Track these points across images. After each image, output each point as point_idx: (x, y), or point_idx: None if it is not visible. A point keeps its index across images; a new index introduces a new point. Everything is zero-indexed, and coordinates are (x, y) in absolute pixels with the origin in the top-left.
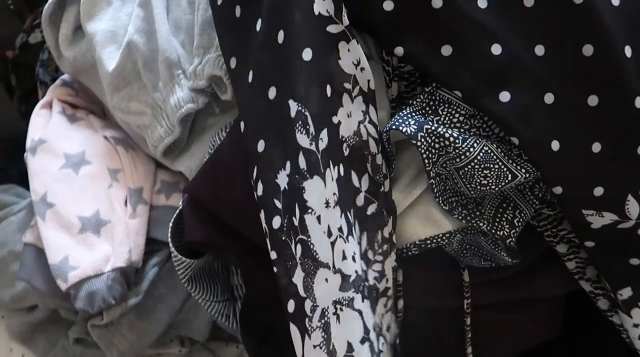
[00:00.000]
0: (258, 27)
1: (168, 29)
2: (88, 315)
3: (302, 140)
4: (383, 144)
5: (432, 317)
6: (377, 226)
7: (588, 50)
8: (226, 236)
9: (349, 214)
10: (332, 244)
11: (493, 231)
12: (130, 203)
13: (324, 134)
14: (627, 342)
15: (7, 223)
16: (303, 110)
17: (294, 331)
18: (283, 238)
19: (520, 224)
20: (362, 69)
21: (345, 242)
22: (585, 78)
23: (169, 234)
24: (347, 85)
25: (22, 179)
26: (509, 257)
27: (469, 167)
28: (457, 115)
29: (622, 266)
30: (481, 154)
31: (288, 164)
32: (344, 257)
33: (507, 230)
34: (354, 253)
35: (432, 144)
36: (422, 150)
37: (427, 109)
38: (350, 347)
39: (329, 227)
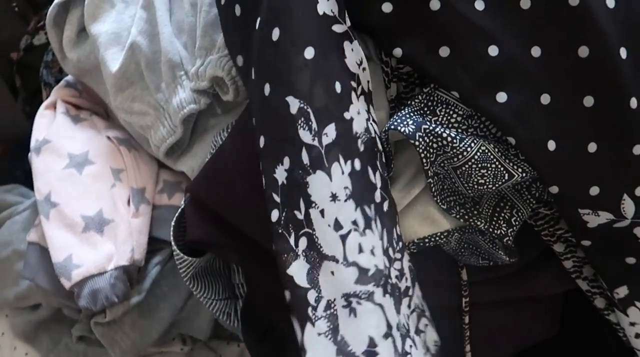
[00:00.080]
0: (256, 26)
1: (171, 30)
2: (91, 313)
3: (305, 136)
4: (382, 144)
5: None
6: (393, 223)
7: (584, 51)
8: (227, 235)
9: (367, 209)
10: (343, 237)
11: (490, 230)
12: (133, 202)
13: (329, 129)
14: (624, 341)
15: (12, 222)
16: (305, 107)
17: (293, 319)
18: (280, 231)
19: (517, 223)
20: (364, 69)
21: (361, 235)
22: (580, 79)
23: (171, 233)
24: (353, 84)
25: (26, 179)
26: (506, 256)
27: (467, 166)
28: (454, 115)
29: (618, 265)
30: (478, 153)
31: (286, 160)
32: (361, 251)
33: (505, 229)
34: (373, 247)
35: (430, 143)
36: (420, 150)
37: (425, 109)
38: (372, 342)
39: (336, 220)
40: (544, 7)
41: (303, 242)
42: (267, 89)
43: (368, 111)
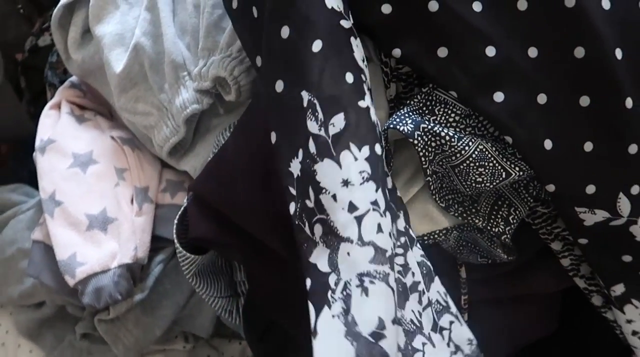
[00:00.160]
0: (265, 24)
1: (174, 32)
2: (95, 310)
3: (312, 126)
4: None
5: None
6: (395, 217)
7: (579, 52)
8: (229, 233)
9: (386, 191)
10: (358, 218)
11: (488, 228)
12: (137, 201)
13: (336, 118)
14: (621, 338)
15: (16, 221)
16: (312, 99)
17: (310, 306)
18: (297, 223)
19: (515, 221)
20: (366, 66)
21: (381, 216)
22: (577, 79)
23: (174, 231)
24: (363, 77)
25: (30, 179)
26: (504, 254)
27: (465, 165)
28: (452, 114)
29: (615, 263)
30: (476, 152)
31: (300, 152)
32: (380, 230)
33: (502, 227)
34: (391, 230)
35: (429, 142)
36: (419, 149)
37: (424, 108)
38: (381, 324)
39: (350, 203)
40: (540, 8)
41: (318, 229)
42: (279, 85)
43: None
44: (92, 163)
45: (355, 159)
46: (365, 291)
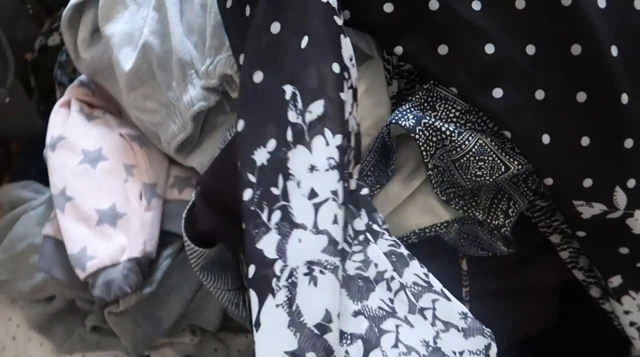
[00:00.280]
0: (255, 19)
1: (181, 31)
2: (105, 303)
3: (292, 116)
4: (383, 138)
5: None
6: (349, 220)
7: (576, 49)
8: (236, 225)
9: (345, 186)
10: (316, 205)
11: (488, 221)
12: (145, 197)
13: (314, 105)
14: (619, 329)
15: (27, 217)
16: (296, 91)
17: (252, 296)
18: (252, 208)
19: (514, 214)
20: (353, 65)
21: (339, 207)
22: (573, 76)
23: (182, 224)
24: (346, 74)
25: (40, 176)
26: (504, 247)
27: (465, 159)
28: (453, 110)
29: (612, 255)
30: (476, 146)
31: (271, 142)
32: (335, 222)
33: (502, 220)
34: (345, 225)
35: (430, 137)
36: (421, 143)
37: (425, 104)
38: (328, 316)
39: (312, 189)
40: (538, 7)
41: (276, 215)
42: (257, 76)
43: (352, 106)
44: (101, 160)
45: (327, 144)
46: (314, 280)
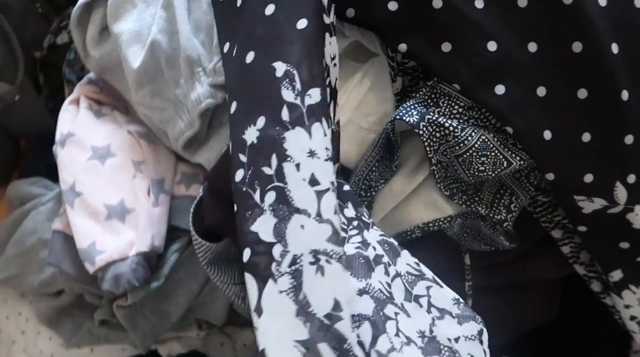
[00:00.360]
0: (246, 6)
1: (189, 29)
2: (113, 296)
3: (287, 95)
4: (388, 134)
5: None
6: (339, 209)
7: (577, 47)
8: None
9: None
10: (319, 193)
11: (491, 215)
12: (153, 193)
13: (313, 91)
14: (620, 324)
15: (36, 213)
16: (292, 70)
17: (249, 280)
18: (244, 189)
19: (516, 209)
20: (335, 64)
21: (336, 199)
22: (574, 73)
23: (190, 219)
24: (325, 74)
25: (49, 172)
26: (507, 241)
27: (468, 154)
28: (456, 106)
29: (613, 250)
30: (479, 142)
31: (261, 120)
32: (335, 213)
33: (504, 214)
34: (345, 205)
35: (434, 133)
36: (424, 139)
37: (429, 101)
38: (337, 305)
39: (312, 175)
40: (539, 5)
41: (270, 197)
42: (249, 56)
43: (330, 104)
44: (110, 156)
45: (325, 134)
46: (320, 270)
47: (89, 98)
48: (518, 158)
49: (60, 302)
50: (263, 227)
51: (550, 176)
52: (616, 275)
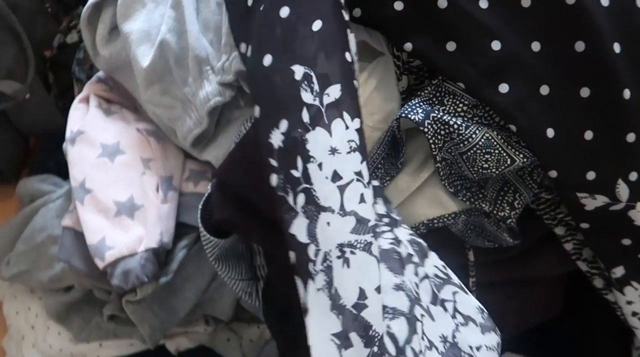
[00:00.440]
0: (261, 7)
1: (198, 28)
2: (123, 291)
3: (306, 97)
4: (393, 132)
5: None
6: (376, 196)
7: (580, 46)
8: (250, 215)
9: (368, 165)
10: (341, 187)
11: (495, 212)
12: (162, 189)
13: (332, 89)
14: (622, 320)
15: (46, 210)
16: (309, 72)
17: (297, 281)
18: (280, 194)
19: (519, 206)
20: (356, 61)
21: (365, 186)
22: (577, 72)
23: (199, 215)
24: (354, 67)
25: (58, 170)
26: (510, 238)
27: (472, 152)
28: (461, 105)
29: (615, 246)
30: (483, 140)
31: (284, 123)
32: (362, 201)
33: (508, 211)
34: (374, 202)
35: (438, 130)
36: (429, 136)
37: (434, 99)
38: (362, 294)
39: (334, 171)
40: (543, 5)
41: (301, 199)
42: (267, 59)
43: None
44: (119, 153)
45: (347, 127)
46: (346, 262)
47: (99, 96)
48: (521, 156)
49: (70, 297)
50: (299, 229)
51: (553, 173)
52: (618, 271)
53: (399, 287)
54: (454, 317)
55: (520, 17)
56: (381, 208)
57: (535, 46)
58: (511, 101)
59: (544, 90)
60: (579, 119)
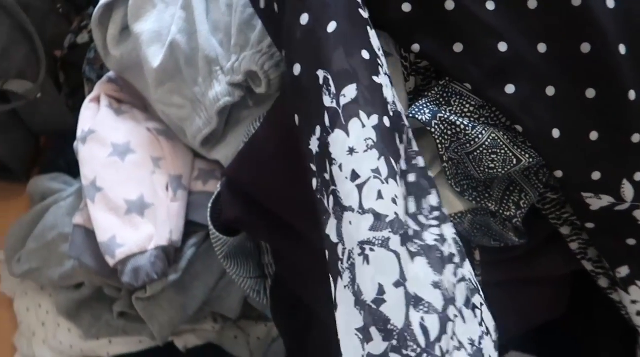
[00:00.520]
0: (284, 17)
1: (208, 29)
2: (132, 289)
3: (327, 101)
4: None
5: None
6: (422, 193)
7: (585, 48)
8: (259, 214)
9: (393, 162)
10: (359, 186)
11: (501, 212)
12: (171, 188)
13: (347, 89)
14: (627, 319)
15: (57, 208)
16: (327, 75)
17: (331, 280)
18: (318, 197)
19: (525, 205)
20: (382, 55)
21: (383, 183)
22: (583, 73)
23: (208, 213)
24: (379, 61)
25: (69, 169)
26: (516, 237)
27: (478, 152)
28: (467, 105)
29: (620, 246)
30: (489, 140)
31: (317, 129)
32: (380, 197)
33: (514, 211)
34: (396, 196)
35: (445, 130)
36: (436, 136)
37: (441, 100)
38: (381, 289)
39: (353, 171)
40: (549, 7)
41: (331, 201)
42: (296, 68)
43: (392, 90)
44: (130, 152)
45: (363, 126)
46: (366, 259)
47: (110, 96)
48: (527, 156)
49: (80, 295)
50: (331, 230)
51: (558, 173)
52: (623, 271)
53: (436, 285)
54: (480, 325)
55: (526, 18)
56: (434, 199)
57: (542, 47)
58: (517, 102)
59: (550, 91)
60: (585, 119)
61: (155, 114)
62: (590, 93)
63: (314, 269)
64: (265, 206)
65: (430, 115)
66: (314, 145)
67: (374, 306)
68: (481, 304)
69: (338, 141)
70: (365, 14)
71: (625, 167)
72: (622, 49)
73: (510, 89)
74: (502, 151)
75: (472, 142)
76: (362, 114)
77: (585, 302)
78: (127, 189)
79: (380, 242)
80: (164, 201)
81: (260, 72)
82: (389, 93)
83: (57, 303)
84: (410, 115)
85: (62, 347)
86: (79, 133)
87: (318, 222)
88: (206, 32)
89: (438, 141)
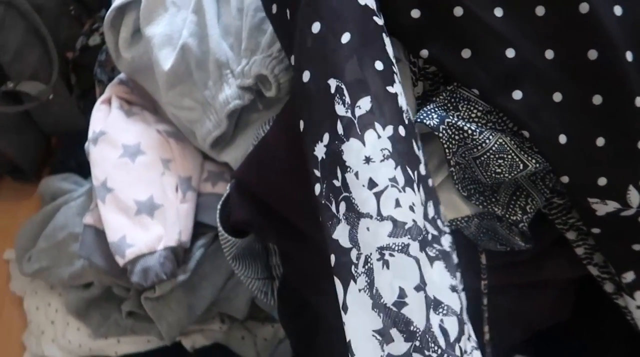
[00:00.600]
0: (297, 22)
1: (219, 33)
2: (141, 289)
3: (339, 109)
4: None
5: None
6: (438, 201)
7: (593, 54)
8: (268, 216)
9: (409, 170)
10: (377, 194)
11: (507, 216)
12: (181, 189)
13: (363, 101)
14: (632, 324)
15: (67, 208)
16: (340, 84)
17: (336, 282)
18: (323, 202)
19: (532, 210)
20: (397, 62)
21: (400, 191)
22: (590, 79)
23: (217, 215)
24: (394, 68)
25: (79, 169)
26: (522, 242)
27: (485, 157)
28: (475, 111)
29: (625, 251)
30: (496, 145)
31: (326, 136)
32: (398, 205)
33: (520, 215)
34: (414, 204)
35: (453, 135)
36: (444, 141)
37: (449, 105)
38: (402, 292)
39: (370, 179)
40: (556, 14)
41: (343, 207)
42: (305, 75)
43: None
44: (140, 154)
45: (379, 137)
46: (386, 263)
47: (120, 98)
48: (534, 161)
49: (89, 294)
50: (341, 234)
51: (564, 179)
52: (629, 276)
53: (454, 289)
54: (469, 340)
55: (534, 25)
56: (431, 211)
57: (549, 54)
58: (524, 108)
59: (557, 97)
60: (591, 125)
61: (165, 116)
62: (597, 99)
63: (321, 271)
64: (274, 208)
65: (438, 120)
66: (319, 151)
67: (394, 309)
68: (466, 322)
69: (353, 150)
70: (380, 21)
71: (631, 173)
72: (629, 55)
73: (517, 94)
74: (509, 156)
75: (480, 147)
76: (377, 126)
77: (591, 306)
78: (137, 190)
79: (400, 247)
80: (174, 202)
81: (270, 75)
82: (403, 101)
83: (67, 302)
84: (418, 120)
85: (70, 346)
86: (90, 134)
87: (321, 226)
88: (217, 35)
89: (445, 146)
